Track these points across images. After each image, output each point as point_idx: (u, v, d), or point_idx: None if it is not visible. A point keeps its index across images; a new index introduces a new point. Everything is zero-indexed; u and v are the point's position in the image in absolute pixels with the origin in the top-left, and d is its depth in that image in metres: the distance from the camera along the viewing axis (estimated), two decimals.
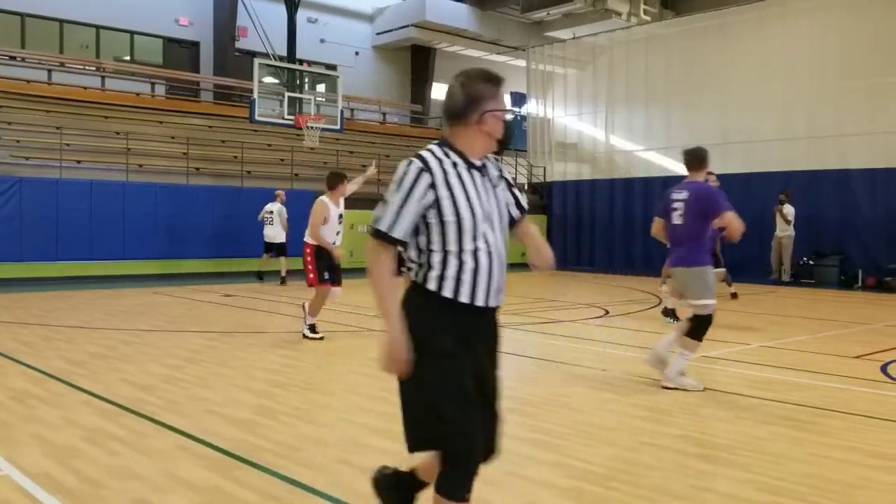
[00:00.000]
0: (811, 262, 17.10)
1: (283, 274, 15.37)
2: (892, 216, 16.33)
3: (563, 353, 7.72)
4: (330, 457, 4.07)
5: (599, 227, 21.67)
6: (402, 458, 3.99)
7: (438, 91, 28.05)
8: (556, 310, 11.52)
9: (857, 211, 16.75)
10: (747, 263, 17.22)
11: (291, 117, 17.55)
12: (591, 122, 22.76)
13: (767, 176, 17.65)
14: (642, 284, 15.45)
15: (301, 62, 20.21)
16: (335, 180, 8.54)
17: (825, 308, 12.50)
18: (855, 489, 3.69)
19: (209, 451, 4.15)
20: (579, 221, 22.22)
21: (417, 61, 27.44)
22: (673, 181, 22.66)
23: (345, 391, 5.76)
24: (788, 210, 16.17)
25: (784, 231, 16.22)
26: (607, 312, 11.19)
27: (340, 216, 8.55)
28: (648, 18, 23.29)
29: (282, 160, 19.11)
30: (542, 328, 9.42)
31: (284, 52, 20.43)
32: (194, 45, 22.92)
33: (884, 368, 6.90)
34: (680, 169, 22.39)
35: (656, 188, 20.23)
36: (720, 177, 19.80)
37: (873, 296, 14.88)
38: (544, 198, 23.25)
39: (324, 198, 8.47)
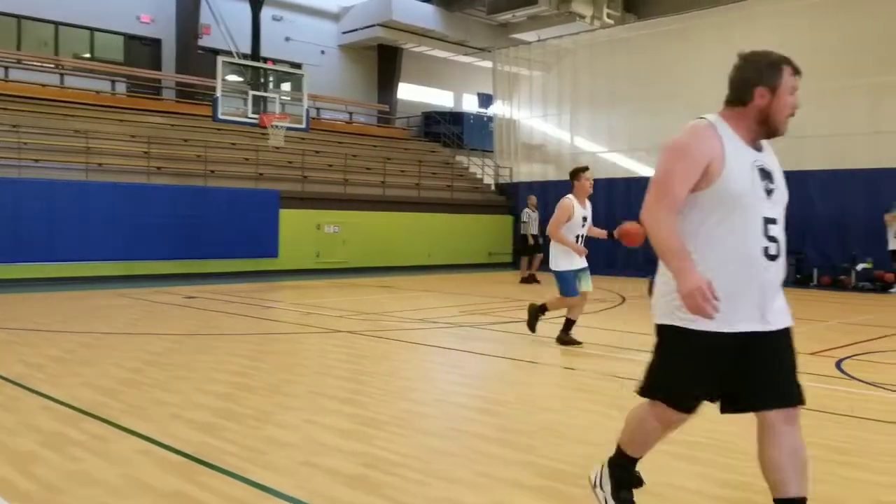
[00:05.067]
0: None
1: None
2: (845, 216, 16.74)
3: (529, 351, 7.74)
4: (295, 459, 4.02)
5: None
6: (368, 460, 3.97)
7: (405, 91, 28.03)
8: (523, 309, 11.52)
9: (813, 211, 17.15)
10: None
11: (256, 116, 17.36)
12: (556, 123, 22.93)
13: None
14: (607, 283, 15.56)
15: (266, 60, 20.00)
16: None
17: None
18: (816, 483, 3.72)
19: (171, 455, 4.07)
20: (545, 222, 22.33)
21: (384, 61, 27.37)
22: (636, 183, 23.12)
23: (311, 393, 5.70)
24: None
25: None
26: None
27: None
28: (612, 22, 23.52)
29: (246, 159, 18.91)
30: (511, 328, 9.44)
31: (249, 50, 20.22)
32: (156, 43, 22.57)
33: (838, 365, 7.03)
34: (643, 171, 22.79)
35: (620, 189, 20.52)
36: None
37: (828, 293, 15.22)
38: (511, 198, 23.33)
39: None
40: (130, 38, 22.34)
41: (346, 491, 3.55)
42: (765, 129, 2.84)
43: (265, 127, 17.40)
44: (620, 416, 5.01)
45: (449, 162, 24.96)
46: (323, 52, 26.01)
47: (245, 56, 19.95)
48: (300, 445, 4.27)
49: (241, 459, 3.98)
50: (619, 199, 20.61)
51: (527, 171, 23.50)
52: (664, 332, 2.91)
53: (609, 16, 23.72)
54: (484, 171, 25.04)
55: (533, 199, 17.26)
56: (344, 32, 26.44)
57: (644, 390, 3.03)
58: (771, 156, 2.93)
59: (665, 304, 2.88)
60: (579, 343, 7.84)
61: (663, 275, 2.89)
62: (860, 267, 16.27)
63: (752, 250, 2.79)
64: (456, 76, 29.70)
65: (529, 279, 16.64)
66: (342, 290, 14.50)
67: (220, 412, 4.99)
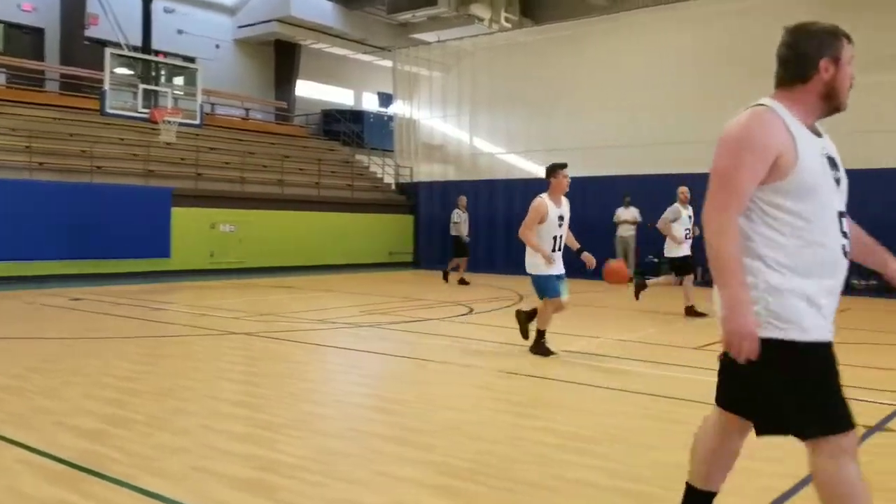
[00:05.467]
0: (657, 260, 18.24)
1: None
2: None
3: (429, 350, 7.79)
4: (187, 465, 3.90)
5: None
6: (264, 463, 3.90)
7: (304, 88, 27.65)
8: (423, 308, 11.61)
9: (699, 211, 17.94)
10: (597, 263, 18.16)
11: (147, 110, 16.73)
12: (455, 124, 23.14)
13: (616, 179, 18.62)
14: (505, 282, 15.83)
15: (157, 53, 19.34)
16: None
17: (671, 302, 13.27)
18: None
19: (54, 464, 3.88)
20: (445, 221, 22.48)
21: (282, 57, 26.90)
22: (534, 184, 23.54)
23: (205, 397, 5.55)
24: (633, 211, 17.44)
25: (628, 231, 17.37)
26: (472, 310, 11.39)
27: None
28: (509, 26, 23.95)
29: (136, 155, 18.19)
30: (409, 327, 9.47)
31: (139, 42, 19.45)
32: (38, 32, 21.40)
33: (721, 357, 7.39)
34: (540, 171, 23.23)
35: (518, 190, 20.93)
36: (579, 180, 20.69)
37: (710, 291, 15.94)
38: (411, 198, 23.38)
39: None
40: (10, 27, 21.11)
41: (240, 496, 3.47)
42: (828, 104, 2.55)
43: (156, 122, 16.81)
44: (516, 412, 5.13)
45: (349, 161, 24.78)
46: (218, 47, 25.33)
47: (135, 48, 19.18)
48: (193, 451, 4.15)
49: (129, 466, 3.84)
50: (517, 199, 20.98)
51: (427, 171, 23.61)
52: (774, 349, 2.45)
53: (507, 19, 24.13)
54: (384, 170, 25.00)
55: (463, 200, 17.01)
56: (240, 27, 25.84)
57: (815, 428, 2.51)
58: (830, 140, 2.61)
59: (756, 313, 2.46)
60: (553, 353, 7.26)
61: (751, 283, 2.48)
62: None
63: (835, 252, 2.48)
64: (356, 74, 29.53)
65: (462, 281, 16.32)
66: (239, 291, 14.17)
67: (108, 418, 4.79)
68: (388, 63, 25.51)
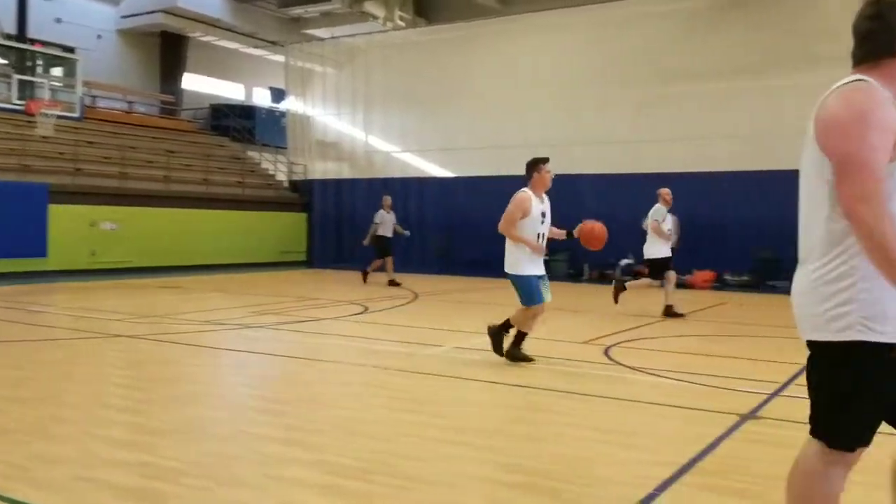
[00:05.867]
0: (545, 258, 18.77)
1: None
2: (612, 217, 18.34)
3: (321, 350, 7.76)
4: (68, 474, 3.77)
5: (360, 226, 21.91)
6: (150, 470, 3.81)
7: (191, 82, 26.84)
8: (316, 308, 11.53)
9: (584, 212, 18.60)
10: (488, 261, 18.56)
11: (22, 102, 15.87)
12: (350, 121, 23.03)
13: (511, 179, 18.97)
14: (401, 280, 15.89)
15: (33, 42, 18.31)
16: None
17: (557, 299, 13.69)
18: (595, 464, 4.11)
19: None
20: (340, 220, 22.37)
21: (168, 49, 25.98)
22: (429, 182, 23.64)
23: (87, 403, 5.35)
24: None
25: None
26: (367, 309, 11.40)
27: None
28: (403, 24, 24.01)
29: (10, 150, 17.20)
30: (301, 327, 9.39)
31: (14, 31, 18.40)
32: None
33: (606, 352, 7.73)
34: (434, 170, 23.30)
35: (413, 188, 21.06)
36: (474, 179, 21.05)
37: (597, 287, 16.63)
38: (305, 196, 23.10)
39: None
40: None
41: None
42: None
43: (32, 114, 15.99)
44: (407, 409, 5.20)
45: (239, 157, 24.23)
46: (99, 37, 24.23)
47: (9, 37, 18.15)
48: (74, 459, 4.01)
49: (4, 478, 3.67)
50: (412, 198, 21.10)
51: (321, 169, 23.39)
52: (839, 351, 2.24)
53: (401, 18, 24.17)
54: (277, 167, 24.59)
55: (388, 200, 16.40)
56: (123, 17, 24.81)
57: (835, 439, 2.33)
58: None
59: (841, 315, 2.21)
60: (531, 359, 6.98)
61: (838, 280, 2.22)
62: (623, 262, 17.96)
63: None
64: (247, 69, 28.88)
65: (392, 282, 15.77)
66: (122, 292, 13.64)
67: None
68: (280, 58, 25.09)
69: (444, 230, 20.59)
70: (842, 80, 2.24)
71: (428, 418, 5.01)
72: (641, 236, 11.43)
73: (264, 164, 24.71)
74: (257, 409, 5.32)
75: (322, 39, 24.29)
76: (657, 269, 11.01)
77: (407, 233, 16.07)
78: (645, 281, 11.33)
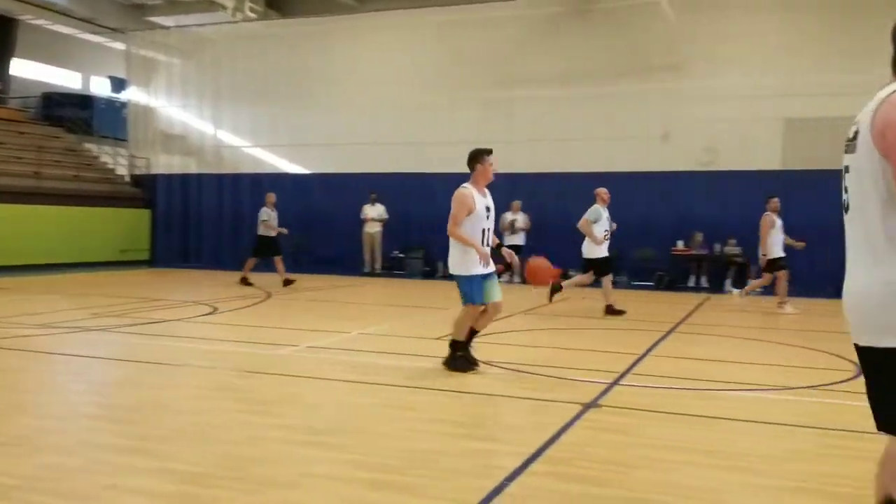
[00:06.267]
0: (401, 256, 19.06)
1: None
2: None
3: (168, 353, 7.44)
4: None
5: (208, 223, 21.20)
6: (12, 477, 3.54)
7: (21, 68, 24.92)
8: (162, 309, 11.04)
9: (437, 209, 18.98)
10: (341, 259, 18.65)
11: None
12: (197, 114, 22.17)
13: (362, 176, 19.04)
14: (252, 279, 15.51)
15: None
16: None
17: (414, 296, 13.87)
18: (444, 457, 4.20)
19: None
20: (186, 217, 21.49)
21: None
22: (282, 179, 23.21)
23: None
24: (380, 208, 18.14)
25: (374, 227, 17.94)
26: (216, 309, 11.05)
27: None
28: (254, 16, 23.40)
29: None
30: (145, 329, 8.96)
31: None
32: None
33: None
34: (287, 167, 22.99)
35: (265, 185, 20.61)
36: (325, 176, 20.89)
37: (451, 283, 16.87)
38: (147, 191, 22.00)
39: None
40: None
41: None
42: None
43: None
44: (257, 411, 5.10)
45: (75, 149, 22.73)
46: None
47: None
48: None
49: None
50: (264, 195, 20.64)
51: (166, 163, 22.37)
52: None
53: (252, 10, 23.53)
54: (117, 161, 23.27)
55: (272, 197, 15.54)
56: None
57: None
58: None
59: None
60: (476, 365, 6.60)
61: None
62: None
63: None
64: (84, 56, 27.12)
65: (286, 282, 14.82)
66: None
67: None
68: (121, 46, 23.74)
69: (298, 228, 20.28)
70: (888, 87, 2.28)
71: (279, 420, 4.94)
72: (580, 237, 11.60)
73: (103, 158, 23.32)
74: (99, 418, 5.05)
75: (167, 28, 23.24)
76: (597, 268, 11.20)
77: (285, 230, 15.47)
78: (582, 278, 11.48)
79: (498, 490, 3.63)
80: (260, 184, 20.39)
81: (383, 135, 19.30)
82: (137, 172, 22.58)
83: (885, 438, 2.31)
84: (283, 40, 20.90)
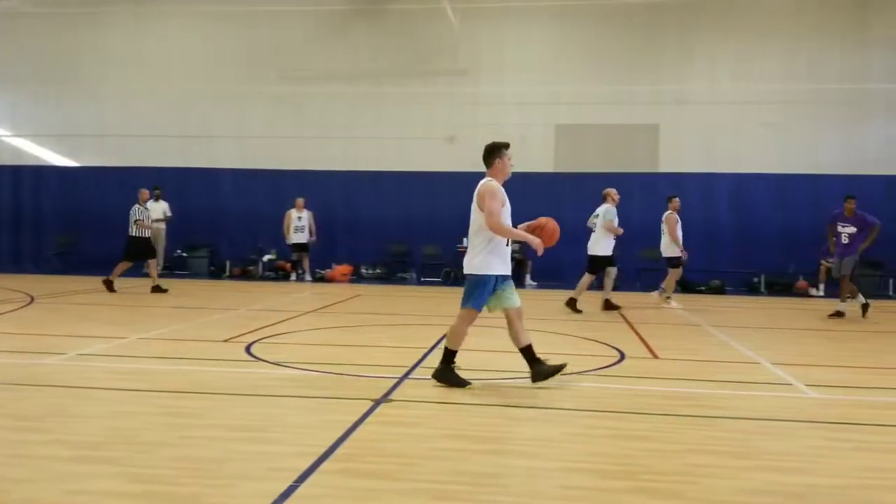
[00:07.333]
0: (185, 254, 18.24)
1: None
2: (253, 213, 18.31)
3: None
4: None
5: None
6: None
7: None
8: None
9: (225, 207, 18.42)
10: (117, 259, 17.41)
11: None
12: None
13: (141, 171, 17.97)
14: (12, 282, 14.07)
15: None
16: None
17: (200, 297, 13.26)
18: (222, 463, 4.04)
19: None
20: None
21: None
22: (47, 172, 21.33)
23: None
24: (164, 205, 17.33)
25: (157, 225, 17.02)
26: None
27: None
28: None
29: None
30: None
31: None
32: None
33: (248, 349, 7.68)
34: (54, 159, 21.25)
35: (27, 178, 19.01)
36: (97, 169, 19.44)
37: (239, 283, 16.50)
38: None
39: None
40: None
41: None
42: None
43: None
44: (19, 427, 4.61)
45: None
46: None
47: None
48: None
49: None
50: (26, 189, 18.95)
51: None
52: None
53: None
54: None
55: (145, 194, 13.94)
56: None
57: None
58: None
59: None
60: (469, 383, 6.03)
61: None
62: (266, 258, 18.03)
63: None
64: None
65: (155, 289, 13.46)
66: None
67: None
68: None
69: (66, 225, 18.74)
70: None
71: (44, 436, 4.51)
72: (587, 233, 11.93)
73: None
74: None
75: None
76: (599, 265, 11.64)
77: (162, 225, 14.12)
78: (584, 281, 11.67)
79: (288, 493, 3.56)
80: (21, 176, 18.72)
81: (166, 127, 18.40)
82: None
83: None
84: (49, 22, 19.24)
